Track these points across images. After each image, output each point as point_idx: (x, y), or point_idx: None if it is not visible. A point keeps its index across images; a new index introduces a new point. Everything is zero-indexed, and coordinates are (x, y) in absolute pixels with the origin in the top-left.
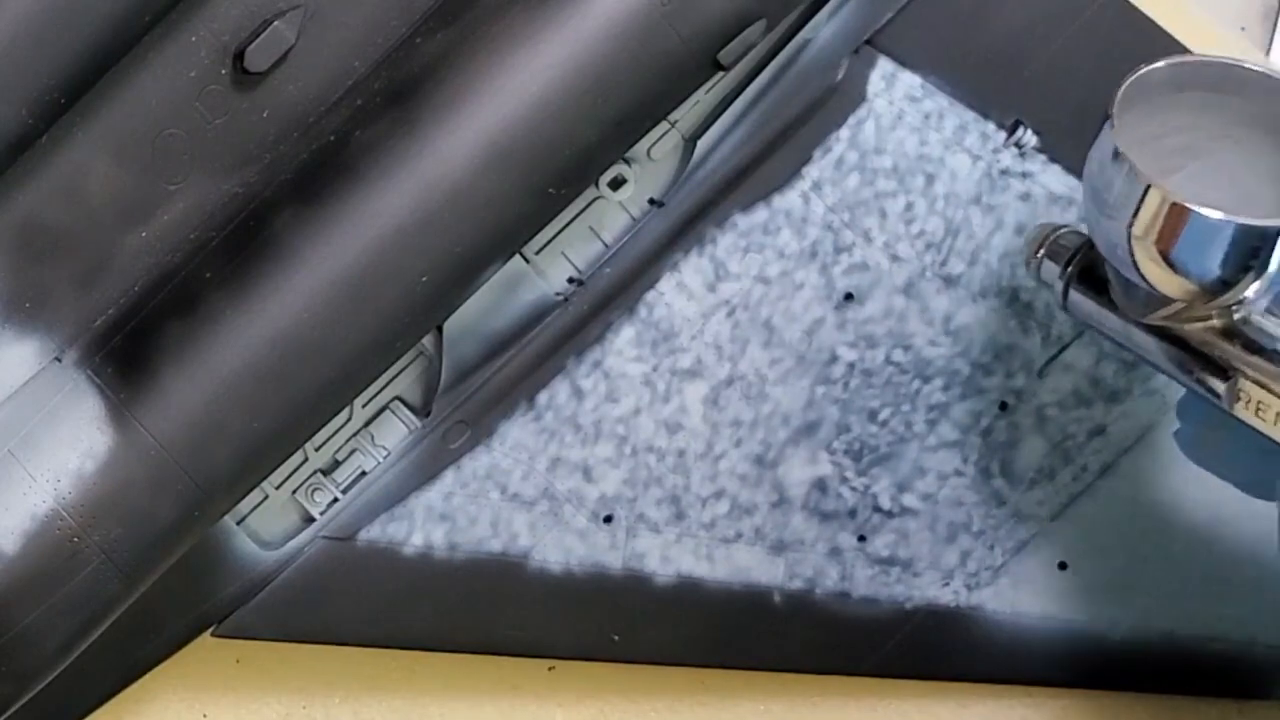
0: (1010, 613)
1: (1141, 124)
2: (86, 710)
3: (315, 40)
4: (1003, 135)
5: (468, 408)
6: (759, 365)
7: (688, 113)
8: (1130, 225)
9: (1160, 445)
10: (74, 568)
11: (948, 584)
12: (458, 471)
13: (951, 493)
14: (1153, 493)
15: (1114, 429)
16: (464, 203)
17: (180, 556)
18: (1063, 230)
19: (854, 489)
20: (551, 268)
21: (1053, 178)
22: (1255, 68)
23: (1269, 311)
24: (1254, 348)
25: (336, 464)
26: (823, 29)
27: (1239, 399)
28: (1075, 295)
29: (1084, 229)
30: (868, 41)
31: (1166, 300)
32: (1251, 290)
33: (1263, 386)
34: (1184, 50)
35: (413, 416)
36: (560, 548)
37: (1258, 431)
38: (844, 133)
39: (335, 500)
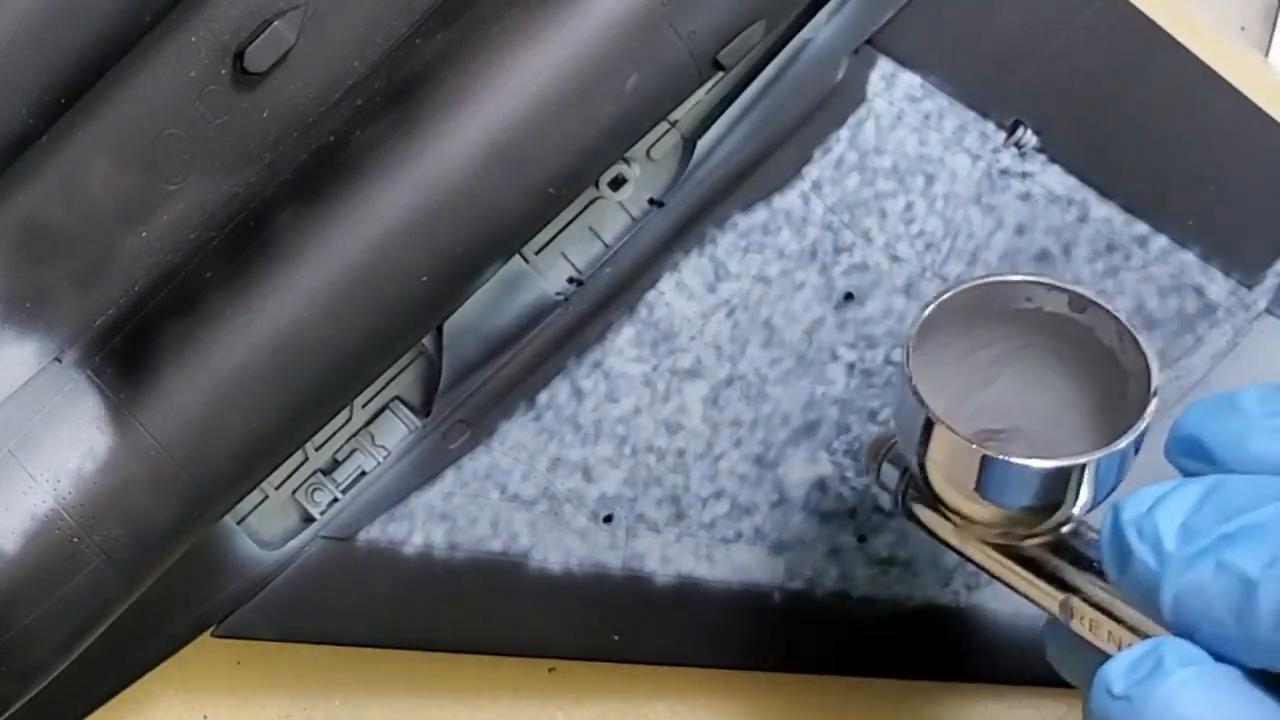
0: (1010, 613)
1: (944, 348)
2: (86, 710)
3: (315, 40)
4: (1003, 135)
5: (468, 408)
6: (759, 365)
7: (688, 113)
8: (926, 460)
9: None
10: (74, 568)
11: (948, 584)
12: (458, 471)
13: None
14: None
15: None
16: (464, 202)
17: (180, 557)
18: (895, 442)
19: (854, 489)
20: (551, 268)
21: (1053, 178)
22: (1038, 279)
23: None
24: (1083, 563)
25: (336, 464)
26: (823, 29)
27: (1074, 615)
28: (913, 505)
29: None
30: (868, 41)
31: (989, 524)
32: (1075, 509)
33: (1094, 605)
34: (1184, 51)
35: (413, 416)
36: (560, 547)
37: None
38: (844, 133)
39: (335, 500)
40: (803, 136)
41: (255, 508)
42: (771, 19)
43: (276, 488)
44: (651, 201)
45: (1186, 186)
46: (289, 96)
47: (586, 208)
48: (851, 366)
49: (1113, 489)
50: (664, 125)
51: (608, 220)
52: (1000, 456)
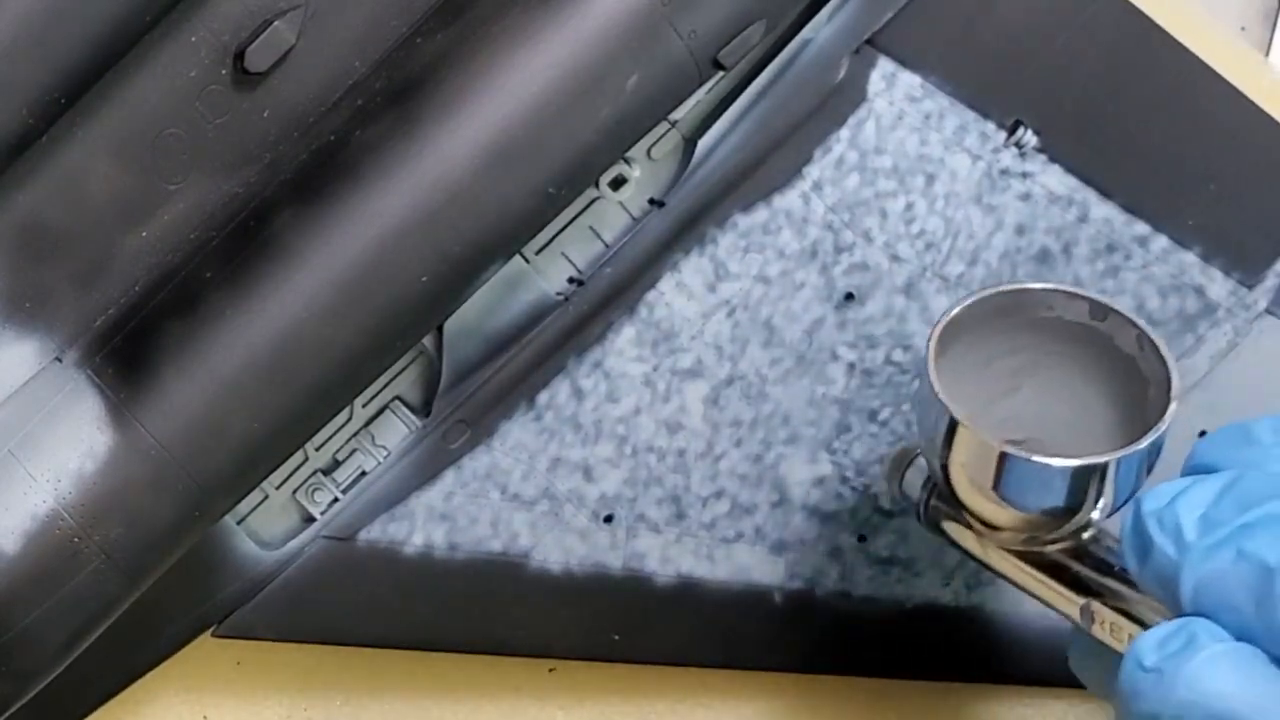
0: (1011, 612)
1: (966, 354)
2: (86, 711)
3: (316, 40)
4: (1003, 135)
5: (468, 407)
6: (759, 365)
7: (688, 113)
8: (949, 462)
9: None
10: (74, 568)
11: (948, 584)
12: (458, 471)
13: None
14: None
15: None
16: (464, 202)
17: (180, 557)
18: (920, 452)
19: (854, 489)
20: (552, 267)
21: (1053, 178)
22: (1060, 288)
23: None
24: (1104, 568)
25: (337, 464)
26: (823, 29)
27: (1095, 620)
28: (934, 515)
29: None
30: (868, 41)
31: (1010, 529)
32: (1095, 514)
33: (1115, 609)
34: (1183, 49)
35: (413, 416)
36: (560, 547)
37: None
38: (844, 133)
39: (335, 500)
40: (803, 136)
41: (255, 508)
42: (772, 19)
43: (277, 487)
44: (652, 201)
45: (1187, 186)
46: (289, 96)
47: (587, 207)
48: (852, 366)
49: (1133, 493)
50: (664, 125)
51: (608, 220)
52: (1024, 455)
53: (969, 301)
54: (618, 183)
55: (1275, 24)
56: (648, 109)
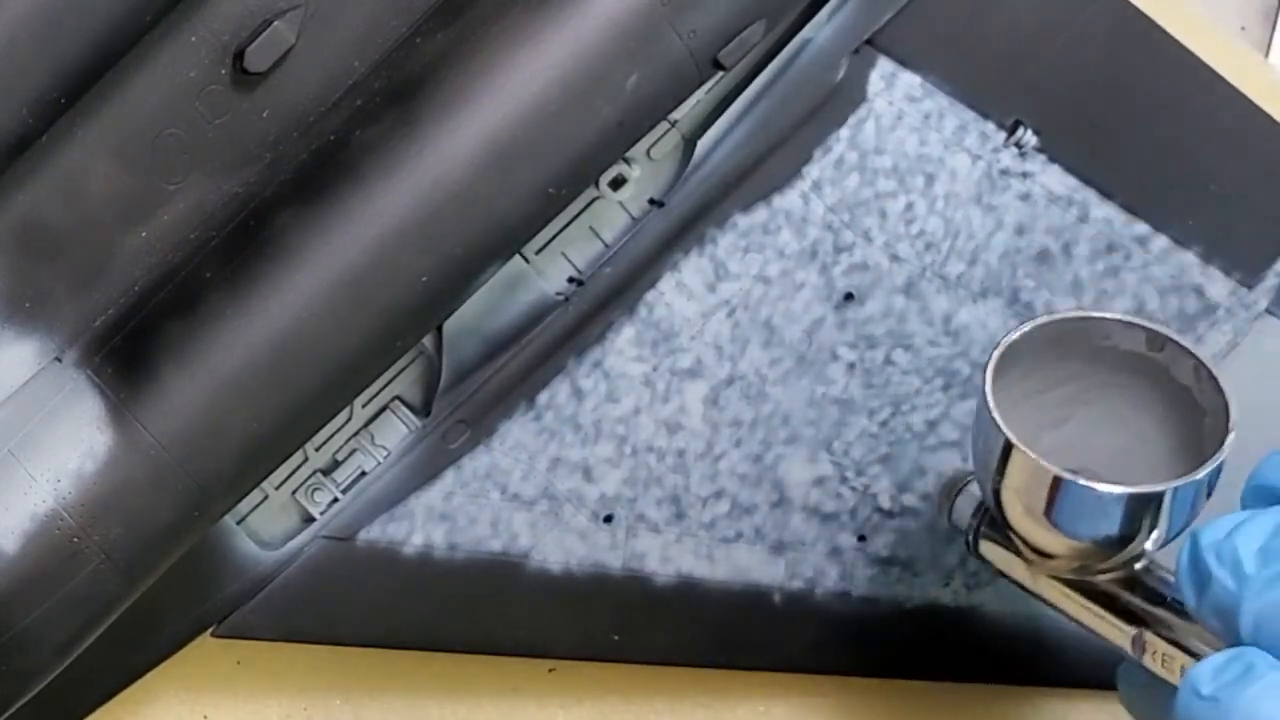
0: (1010, 613)
1: (1021, 382)
2: (86, 711)
3: (315, 40)
4: (1003, 135)
5: (468, 407)
6: (759, 365)
7: (688, 113)
8: (1002, 487)
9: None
10: (74, 568)
11: (948, 584)
12: (458, 471)
13: None
14: None
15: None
16: (464, 202)
17: (180, 557)
18: (970, 479)
19: (854, 489)
20: (551, 267)
21: (1053, 178)
22: (1120, 318)
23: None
24: (1156, 599)
25: (336, 464)
26: (823, 29)
27: (1146, 650)
28: (985, 543)
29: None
30: (868, 41)
31: (1064, 557)
32: (1149, 544)
33: (1167, 639)
34: (1182, 49)
35: (413, 416)
36: (560, 547)
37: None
38: (844, 132)
39: (335, 500)
40: (803, 136)
41: (255, 507)
42: (771, 19)
43: (276, 488)
44: (652, 201)
45: (1187, 186)
46: (289, 96)
47: (587, 207)
48: (852, 366)
49: (1187, 524)
50: (664, 125)
51: (608, 220)
52: (1080, 482)
53: (1027, 328)
54: (617, 183)
55: (1275, 24)
56: (647, 109)
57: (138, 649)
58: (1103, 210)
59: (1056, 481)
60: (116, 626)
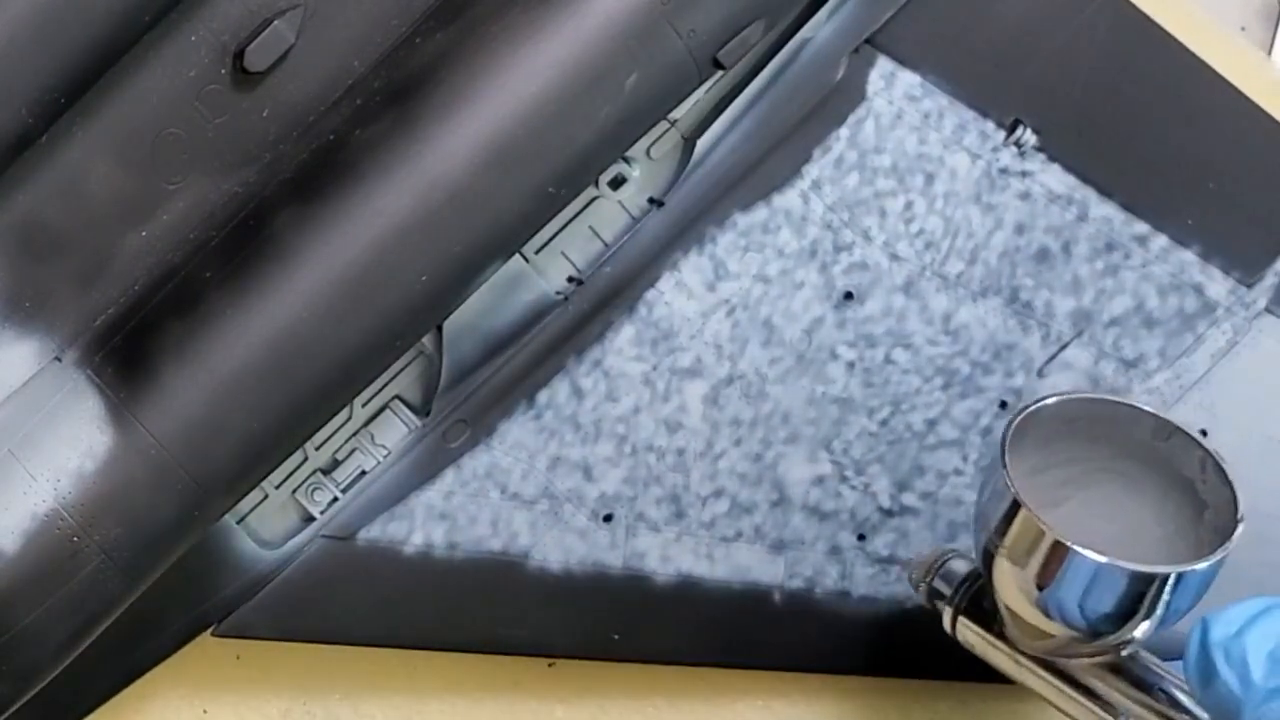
0: None
1: (1026, 457)
2: (87, 710)
3: (315, 40)
4: (1002, 134)
5: (468, 407)
6: (759, 364)
7: (687, 112)
8: (997, 552)
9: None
10: (74, 567)
11: None
12: (458, 471)
13: (951, 491)
14: None
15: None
16: (464, 202)
17: (180, 556)
18: (951, 556)
19: (853, 488)
20: (551, 267)
21: (1052, 176)
22: (1135, 405)
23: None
24: (1142, 686)
25: (336, 463)
26: (822, 28)
27: None
28: (962, 624)
29: (973, 556)
30: (867, 40)
31: (1051, 636)
32: (1138, 632)
33: None
34: (1182, 49)
35: (413, 416)
36: (560, 547)
37: None
38: (843, 132)
39: (335, 499)
40: (802, 135)
41: (255, 507)
42: (771, 18)
43: (276, 487)
44: (651, 200)
45: (1186, 185)
46: (289, 96)
47: (586, 207)
48: (851, 365)
49: (1182, 615)
50: (664, 124)
51: (607, 219)
52: (1085, 551)
53: (1043, 404)
54: (617, 182)
55: (1276, 24)
56: (647, 108)
57: (138, 648)
58: (1102, 209)
59: (1059, 549)
60: (117, 625)
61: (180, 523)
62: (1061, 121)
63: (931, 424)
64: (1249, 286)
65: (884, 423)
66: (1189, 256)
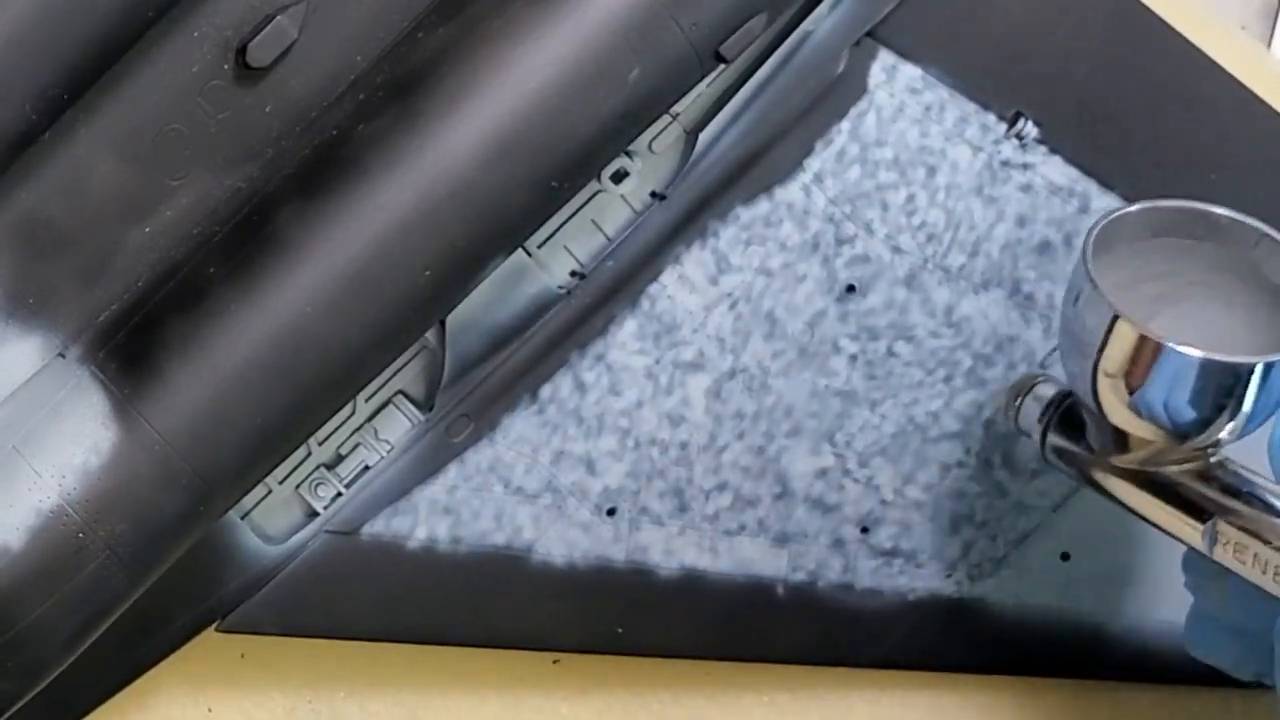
0: (1013, 604)
1: (1116, 268)
2: (91, 706)
3: (318, 35)
4: (1004, 127)
5: (471, 401)
6: (761, 357)
7: (689, 105)
8: (1099, 362)
9: None
10: (79, 563)
11: (950, 575)
12: (461, 465)
13: (954, 484)
14: None
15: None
16: (467, 196)
17: (184, 552)
18: (1040, 380)
19: (856, 480)
20: (554, 261)
21: (1054, 169)
22: (1226, 214)
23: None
24: (1231, 490)
25: (340, 458)
26: (824, 21)
27: (1218, 541)
28: (1053, 440)
29: (1063, 379)
30: (869, 34)
31: (1142, 443)
32: (1226, 431)
33: (1241, 529)
34: (1183, 41)
35: (416, 410)
36: (563, 541)
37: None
38: (845, 125)
39: (339, 495)
40: (804, 129)
41: (259, 502)
42: (773, 11)
43: (280, 482)
44: (654, 194)
45: (1188, 177)
46: (291, 91)
47: (589, 201)
48: (854, 358)
49: (1270, 413)
50: (666, 118)
51: (610, 213)
52: (1182, 348)
53: (1131, 210)
54: (619, 176)
55: (1275, 22)
56: (649, 102)
57: (142, 644)
58: (1104, 201)
59: (1157, 349)
60: (121, 621)
61: (185, 518)
62: (1063, 114)
63: (934, 416)
64: None
65: (887, 415)
66: None
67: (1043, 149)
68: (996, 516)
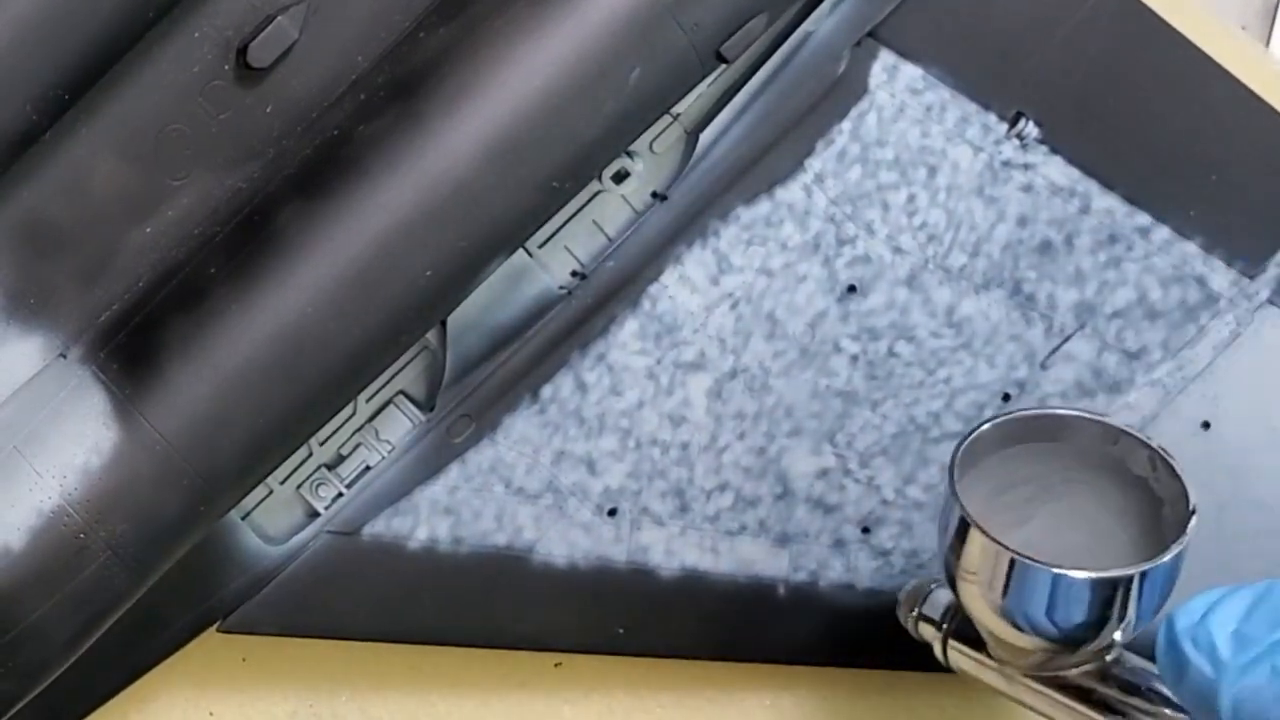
0: None
1: (985, 480)
2: (92, 707)
3: (318, 35)
4: (1004, 127)
5: (472, 402)
6: (762, 358)
7: (690, 105)
8: (957, 574)
9: (1161, 437)
10: (80, 563)
11: None
12: (462, 465)
13: None
14: None
15: (1117, 420)
16: (468, 197)
17: (185, 552)
18: (935, 586)
19: (858, 481)
20: (555, 261)
21: (1054, 169)
22: (1081, 414)
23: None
24: (1130, 689)
25: (341, 459)
26: (825, 22)
27: None
28: (954, 652)
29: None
30: (870, 34)
31: (1030, 652)
32: (1119, 633)
33: None
34: (1184, 41)
35: (417, 411)
36: (565, 541)
37: None
38: (846, 125)
39: (340, 495)
40: (805, 129)
41: (260, 503)
42: (773, 12)
43: (281, 482)
44: (654, 194)
45: (1188, 177)
46: (292, 91)
47: (590, 201)
48: (855, 358)
49: (1155, 611)
50: (667, 118)
51: (611, 213)
52: (1040, 563)
53: (986, 427)
54: (620, 176)
55: (1275, 18)
56: (650, 102)
57: (143, 644)
58: (1104, 201)
59: (1014, 565)
60: (122, 622)
61: (186, 518)
62: (1064, 114)
63: (935, 416)
64: (1252, 278)
65: (888, 415)
66: (1191, 248)
67: (1043, 149)
68: None
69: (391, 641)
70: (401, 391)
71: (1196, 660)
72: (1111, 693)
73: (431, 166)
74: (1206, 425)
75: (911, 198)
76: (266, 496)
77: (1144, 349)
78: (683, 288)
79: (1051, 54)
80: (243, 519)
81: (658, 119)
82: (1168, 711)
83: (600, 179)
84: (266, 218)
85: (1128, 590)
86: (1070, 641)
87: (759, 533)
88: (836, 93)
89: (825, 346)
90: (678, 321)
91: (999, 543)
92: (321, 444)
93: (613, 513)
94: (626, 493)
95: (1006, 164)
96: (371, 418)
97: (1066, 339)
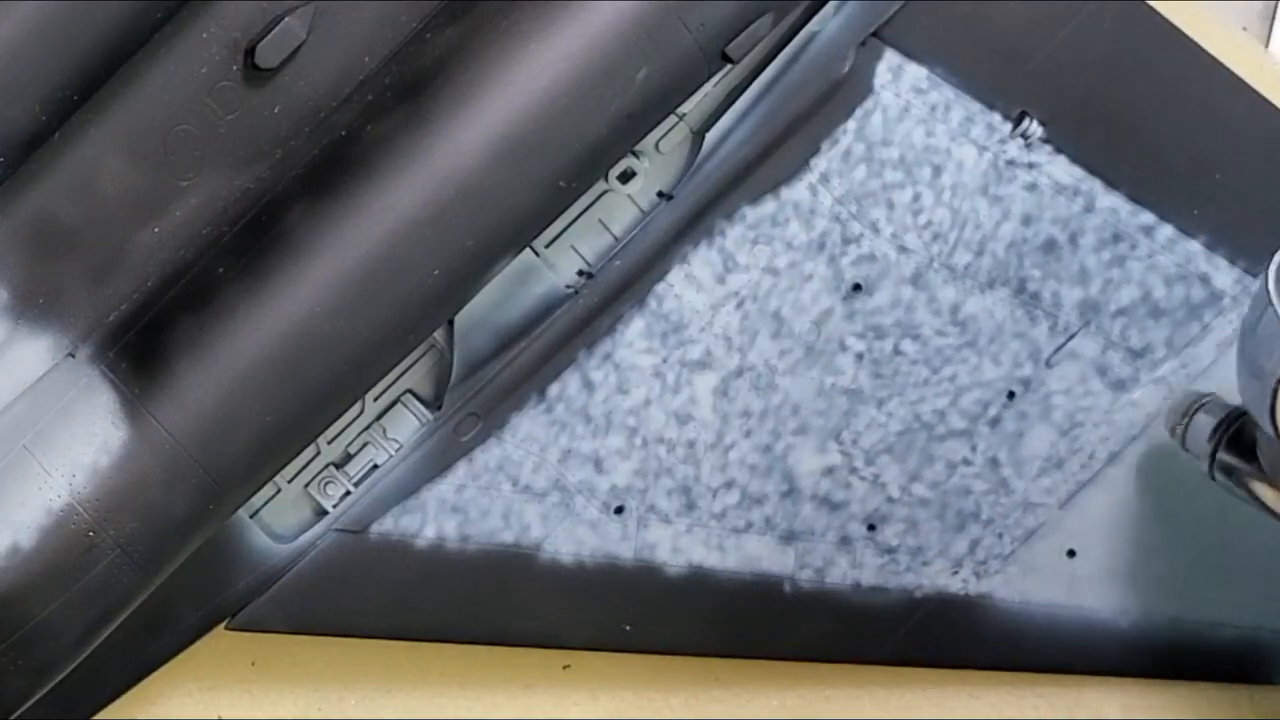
0: (1019, 600)
1: None
2: (101, 704)
3: (326, 36)
4: (1009, 126)
5: (479, 400)
6: (768, 356)
7: (696, 106)
8: (1278, 388)
9: (1164, 434)
10: (90, 562)
11: (957, 572)
12: (469, 464)
13: (960, 481)
14: (1160, 480)
15: (1121, 417)
16: (475, 196)
17: (194, 550)
18: (1207, 399)
19: (863, 478)
20: (561, 260)
21: (1058, 168)
22: None
23: None
24: None
25: (349, 457)
26: (830, 22)
27: None
28: (1223, 459)
29: (1226, 399)
30: (874, 34)
31: None
32: None
33: None
34: (1187, 41)
35: (424, 409)
36: (572, 539)
37: None
38: (851, 125)
39: (347, 493)
40: (810, 129)
41: (268, 501)
42: (779, 12)
43: (289, 481)
44: (660, 194)
45: (1192, 175)
46: (300, 92)
47: (596, 201)
48: (860, 357)
49: None
50: (673, 118)
51: (617, 213)
52: None
53: None
54: (627, 176)
55: (1275, 18)
56: (656, 102)
57: (152, 642)
58: (1108, 200)
59: None
60: (131, 620)
61: (195, 517)
62: (1068, 114)
63: (940, 414)
64: (1255, 276)
65: (893, 413)
66: (1195, 246)
67: (1048, 148)
68: (1002, 514)
69: (399, 639)
70: (409, 390)
71: None
72: None
73: (439, 166)
74: None
75: (916, 197)
76: (274, 495)
77: (1148, 347)
78: (689, 287)
79: (1056, 54)
80: (251, 517)
81: (664, 119)
82: None
83: (607, 179)
84: (274, 218)
85: None
86: None
87: (765, 530)
88: (842, 93)
89: (831, 345)
90: (684, 320)
91: None
92: (329, 442)
93: (619, 510)
94: (633, 490)
95: (1011, 163)
96: (379, 416)
97: (1071, 337)
